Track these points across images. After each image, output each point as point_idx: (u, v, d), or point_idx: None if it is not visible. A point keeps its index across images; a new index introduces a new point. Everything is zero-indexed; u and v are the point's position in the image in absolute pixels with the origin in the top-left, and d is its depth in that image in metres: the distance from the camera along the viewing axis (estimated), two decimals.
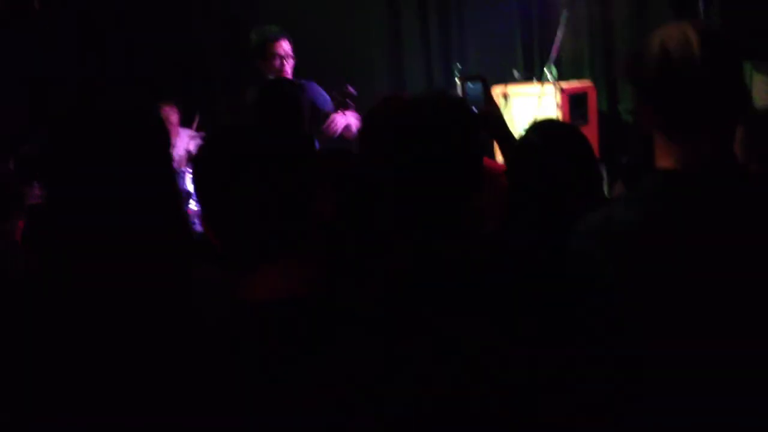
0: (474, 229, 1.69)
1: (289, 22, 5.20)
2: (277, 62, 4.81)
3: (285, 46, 4.85)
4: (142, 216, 1.56)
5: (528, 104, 5.98)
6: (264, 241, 1.41)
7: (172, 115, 5.90)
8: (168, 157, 1.67)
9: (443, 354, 1.50)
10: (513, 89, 6.10)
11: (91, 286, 1.53)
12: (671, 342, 1.54)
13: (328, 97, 4.74)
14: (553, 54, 5.76)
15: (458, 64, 6.38)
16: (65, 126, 1.60)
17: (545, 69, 5.80)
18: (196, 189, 1.50)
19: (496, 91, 6.18)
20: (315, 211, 1.44)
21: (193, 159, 1.49)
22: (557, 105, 5.76)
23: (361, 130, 2.81)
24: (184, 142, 5.58)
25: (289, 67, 4.87)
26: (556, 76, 5.79)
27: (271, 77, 4.75)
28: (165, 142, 1.66)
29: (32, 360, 1.48)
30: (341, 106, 4.68)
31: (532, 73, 6.29)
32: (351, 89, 4.72)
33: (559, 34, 5.74)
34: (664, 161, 1.63)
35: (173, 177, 1.66)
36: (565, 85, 5.86)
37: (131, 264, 1.54)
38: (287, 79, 4.61)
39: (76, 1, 6.81)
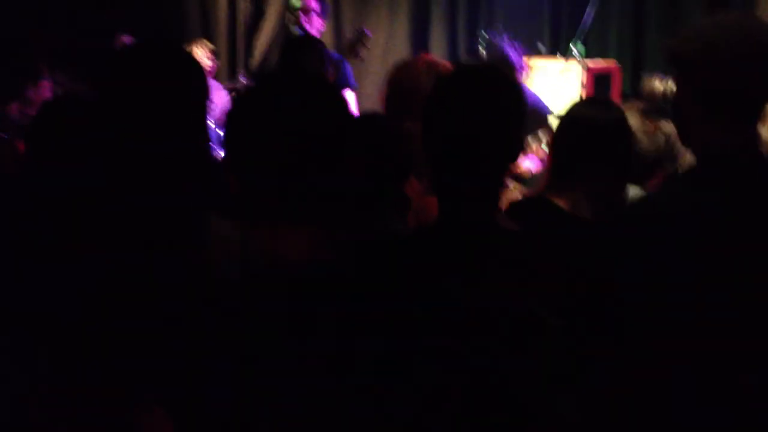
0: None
1: None
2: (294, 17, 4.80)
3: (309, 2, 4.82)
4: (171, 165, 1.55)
5: (551, 79, 5.92)
6: (292, 197, 1.38)
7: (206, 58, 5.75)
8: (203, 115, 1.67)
9: (474, 324, 1.49)
10: (537, 62, 6.03)
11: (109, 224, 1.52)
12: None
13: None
14: (581, 30, 5.69)
15: (484, 32, 6.31)
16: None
17: (571, 45, 5.73)
18: (227, 139, 1.47)
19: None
20: (345, 173, 1.41)
21: (228, 110, 1.46)
22: (581, 83, 5.69)
23: (393, 93, 2.74)
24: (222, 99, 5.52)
25: (314, 24, 4.83)
26: (582, 53, 5.72)
27: (296, 30, 4.72)
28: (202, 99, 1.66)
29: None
30: (355, 47, 4.66)
31: (557, 48, 6.22)
32: (366, 31, 4.70)
33: (589, 10, 5.67)
34: (702, 145, 1.64)
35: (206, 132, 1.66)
36: (590, 63, 5.79)
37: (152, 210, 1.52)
38: (312, 38, 4.57)
39: None
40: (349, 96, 4.60)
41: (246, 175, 1.43)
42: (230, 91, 5.28)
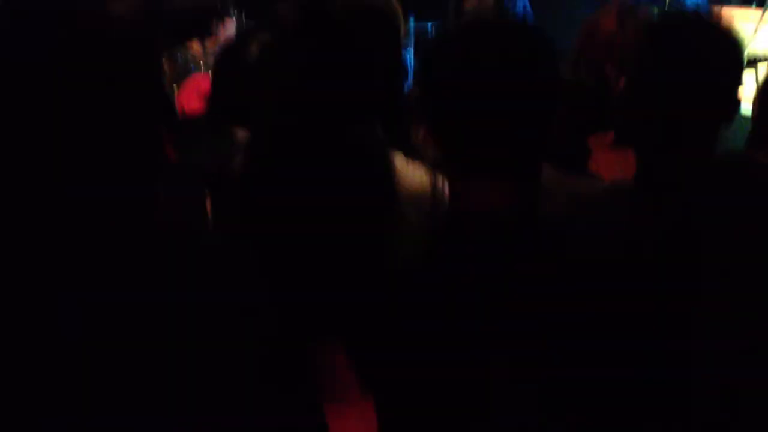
0: None
1: None
2: None
3: None
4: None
5: (743, 31, 5.54)
6: (492, 154, 1.32)
7: None
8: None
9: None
10: (728, 12, 5.66)
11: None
12: None
13: None
14: None
15: None
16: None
17: None
18: (427, 91, 1.41)
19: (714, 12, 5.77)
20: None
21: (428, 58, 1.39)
22: None
23: (590, 39, 2.60)
24: None
25: None
26: None
27: None
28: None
29: None
30: None
31: None
32: None
33: None
34: None
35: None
36: None
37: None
38: None
39: None
40: None
41: (437, 126, 1.38)
42: None
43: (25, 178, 1.08)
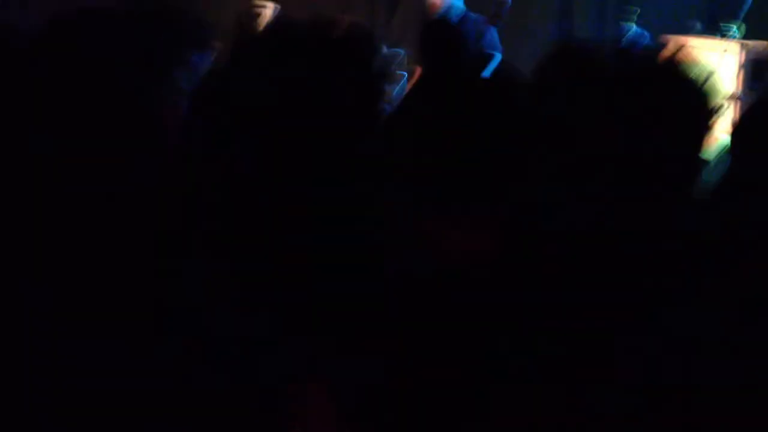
0: None
1: None
2: None
3: None
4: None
5: (706, 60, 5.65)
6: (462, 191, 1.32)
7: None
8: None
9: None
10: (692, 42, 5.77)
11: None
12: None
13: None
14: (739, 8, 5.42)
15: (633, 6, 6.06)
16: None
17: (729, 24, 5.45)
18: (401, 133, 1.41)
19: (673, 43, 5.86)
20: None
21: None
22: (738, 66, 5.42)
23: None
24: None
25: None
26: (741, 33, 5.43)
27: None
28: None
29: None
30: (494, 16, 4.62)
31: (714, 28, 5.92)
32: (504, 8, 4.65)
33: None
34: None
35: None
36: (748, 44, 5.50)
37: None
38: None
39: None
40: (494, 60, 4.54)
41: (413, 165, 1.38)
42: None
43: None
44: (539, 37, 6.30)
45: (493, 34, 4.69)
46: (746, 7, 5.42)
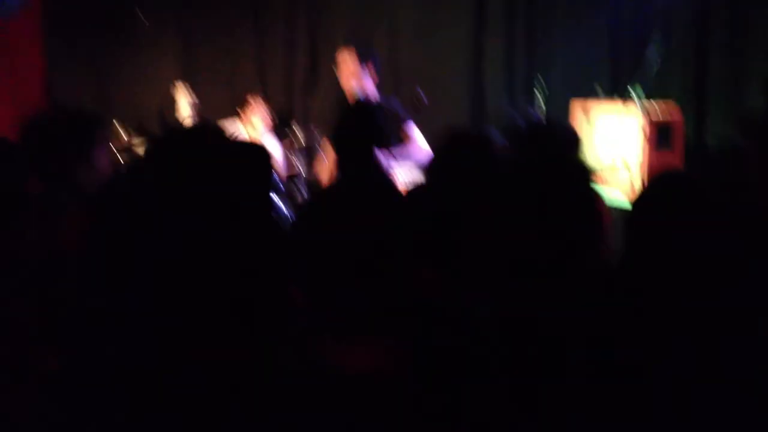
0: None
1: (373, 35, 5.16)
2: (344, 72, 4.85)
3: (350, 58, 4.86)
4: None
5: (609, 122, 5.82)
6: (360, 311, 1.33)
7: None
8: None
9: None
10: (596, 106, 5.95)
11: None
12: None
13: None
14: (642, 72, 5.61)
15: (540, 76, 6.23)
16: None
17: (630, 88, 5.63)
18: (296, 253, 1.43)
19: (579, 106, 6.05)
20: (412, 286, 1.36)
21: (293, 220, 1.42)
22: (642, 129, 5.59)
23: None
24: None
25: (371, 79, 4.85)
26: (642, 96, 5.61)
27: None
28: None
29: None
30: (411, 110, 4.73)
31: (616, 91, 6.11)
32: (422, 95, 4.75)
33: (649, 53, 5.59)
34: None
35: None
36: (650, 107, 5.68)
37: None
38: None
39: None
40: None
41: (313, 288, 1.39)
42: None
43: None
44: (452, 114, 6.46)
45: (408, 122, 4.77)
46: (650, 70, 5.62)
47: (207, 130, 1.87)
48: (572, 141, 2.88)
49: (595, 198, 1.81)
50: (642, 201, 1.95)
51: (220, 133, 1.83)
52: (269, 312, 1.49)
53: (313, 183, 5.39)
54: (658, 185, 2.02)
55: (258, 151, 1.92)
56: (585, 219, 1.62)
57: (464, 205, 1.76)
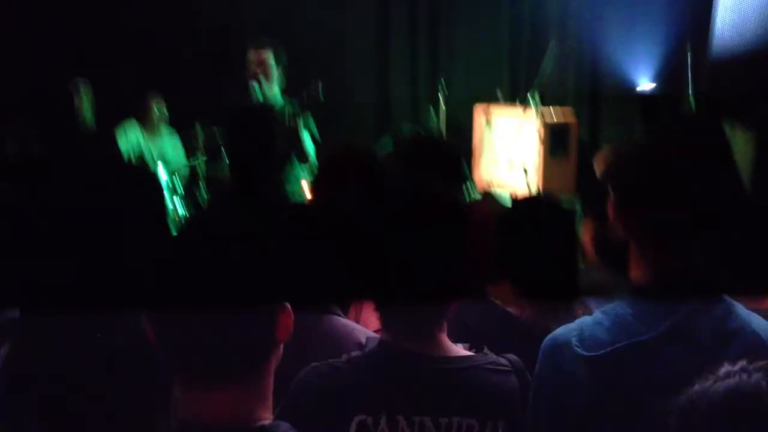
0: None
1: (275, 32, 5.09)
2: (252, 72, 4.71)
3: (262, 56, 4.73)
4: None
5: (508, 127, 5.96)
6: (218, 363, 1.27)
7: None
8: None
9: None
10: (495, 110, 6.08)
11: None
12: None
13: None
14: (539, 79, 5.75)
15: (443, 80, 6.31)
16: None
17: (529, 94, 5.76)
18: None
19: (479, 110, 6.16)
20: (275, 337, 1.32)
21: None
22: (538, 135, 5.74)
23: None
24: None
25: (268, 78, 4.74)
26: (539, 102, 5.75)
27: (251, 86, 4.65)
28: None
29: None
30: (305, 106, 4.60)
31: (516, 96, 6.25)
32: (318, 91, 4.61)
33: (546, 60, 5.73)
34: (635, 271, 1.60)
35: None
36: (547, 112, 5.83)
37: None
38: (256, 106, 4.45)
39: None
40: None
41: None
42: None
43: None
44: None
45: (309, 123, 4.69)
46: (546, 76, 5.75)
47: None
48: (452, 156, 2.89)
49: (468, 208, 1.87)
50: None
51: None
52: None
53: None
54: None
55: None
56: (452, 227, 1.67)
57: (345, 221, 1.80)
